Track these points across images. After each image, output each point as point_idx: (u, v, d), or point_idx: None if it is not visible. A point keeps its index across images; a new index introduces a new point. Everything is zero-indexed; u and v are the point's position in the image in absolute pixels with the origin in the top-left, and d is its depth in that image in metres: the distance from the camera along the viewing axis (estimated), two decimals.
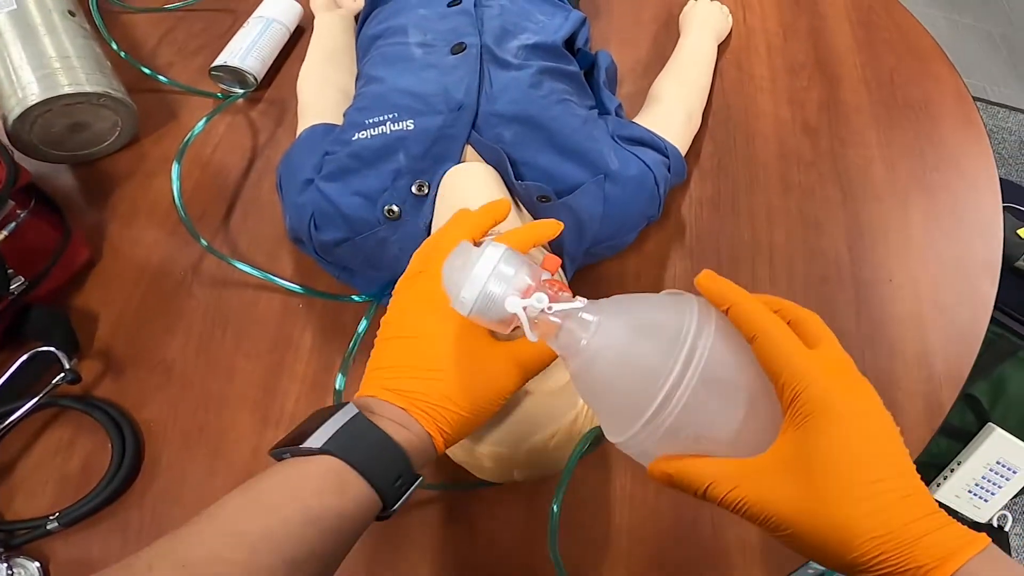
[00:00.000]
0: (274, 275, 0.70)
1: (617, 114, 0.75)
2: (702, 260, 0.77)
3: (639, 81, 0.88)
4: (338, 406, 0.43)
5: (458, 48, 0.68)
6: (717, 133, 0.86)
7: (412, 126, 0.63)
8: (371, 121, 0.64)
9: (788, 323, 0.39)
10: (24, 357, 0.64)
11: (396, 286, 0.49)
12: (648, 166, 0.68)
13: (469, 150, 0.64)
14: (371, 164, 0.63)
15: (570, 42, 0.75)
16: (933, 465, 1.18)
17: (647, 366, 0.37)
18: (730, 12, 0.96)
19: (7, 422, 0.61)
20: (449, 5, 0.73)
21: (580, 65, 0.76)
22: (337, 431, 0.41)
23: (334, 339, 0.69)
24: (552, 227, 0.50)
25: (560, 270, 0.54)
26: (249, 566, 0.35)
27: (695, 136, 0.83)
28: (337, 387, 0.62)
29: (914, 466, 0.37)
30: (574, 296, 0.40)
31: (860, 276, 0.78)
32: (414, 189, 0.62)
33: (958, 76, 0.97)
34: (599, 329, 0.39)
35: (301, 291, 0.70)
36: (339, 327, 0.70)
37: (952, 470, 1.19)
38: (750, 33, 0.97)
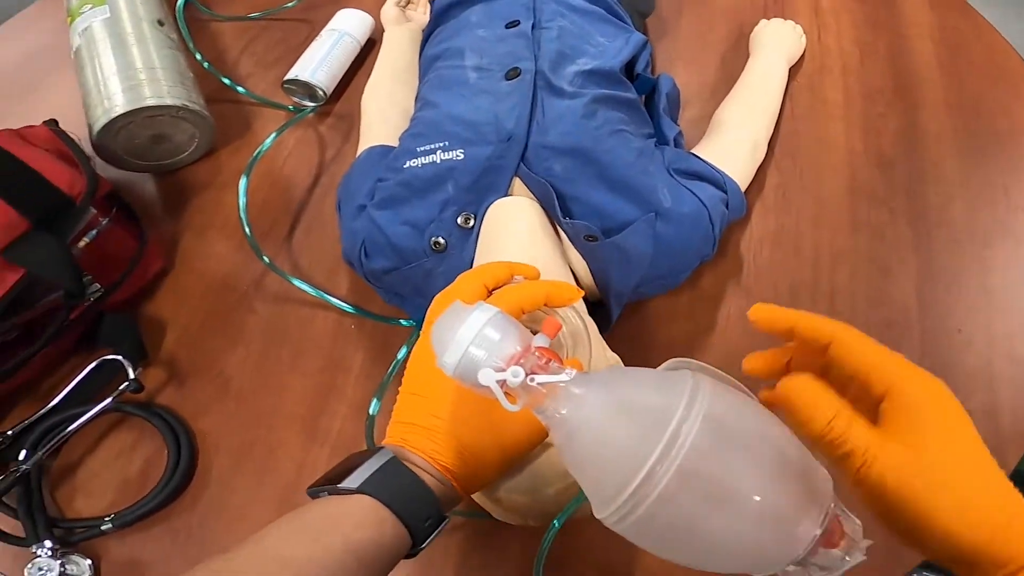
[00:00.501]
0: (330, 294, 0.68)
1: (676, 143, 0.69)
2: (759, 299, 0.68)
3: (705, 105, 0.81)
4: (373, 450, 0.43)
5: (513, 73, 0.63)
6: (784, 163, 0.78)
7: (462, 156, 0.59)
8: (422, 149, 0.60)
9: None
10: (93, 364, 0.64)
11: (420, 336, 0.47)
12: (703, 203, 0.62)
13: (517, 183, 0.60)
14: (421, 194, 0.60)
15: (630, 66, 0.69)
16: None
17: (626, 448, 0.33)
18: (804, 32, 0.87)
19: (73, 426, 0.62)
20: (507, 26, 0.68)
21: (640, 90, 0.70)
22: (373, 473, 0.41)
23: (383, 363, 0.66)
24: (569, 292, 0.46)
25: (572, 328, 0.49)
26: None
27: (759, 166, 0.76)
28: (371, 411, 0.60)
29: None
30: (564, 367, 0.37)
31: (927, 324, 0.69)
32: (460, 221, 0.59)
33: None
34: (582, 404, 0.35)
35: (354, 312, 0.67)
36: (389, 350, 0.67)
37: None
38: (825, 54, 0.87)
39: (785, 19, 0.87)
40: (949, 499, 0.31)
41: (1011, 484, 0.33)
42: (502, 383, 0.36)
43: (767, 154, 0.77)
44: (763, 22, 0.87)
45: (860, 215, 0.75)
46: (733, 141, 0.72)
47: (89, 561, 0.58)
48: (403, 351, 0.62)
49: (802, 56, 0.87)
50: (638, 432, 0.33)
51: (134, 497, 0.61)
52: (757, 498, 0.32)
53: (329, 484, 0.42)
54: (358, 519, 0.39)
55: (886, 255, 0.73)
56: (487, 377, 0.36)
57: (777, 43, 0.83)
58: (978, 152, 0.80)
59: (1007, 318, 0.70)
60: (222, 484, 0.62)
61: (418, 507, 0.41)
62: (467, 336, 0.36)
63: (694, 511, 0.32)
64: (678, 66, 0.87)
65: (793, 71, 0.85)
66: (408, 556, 0.42)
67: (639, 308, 0.68)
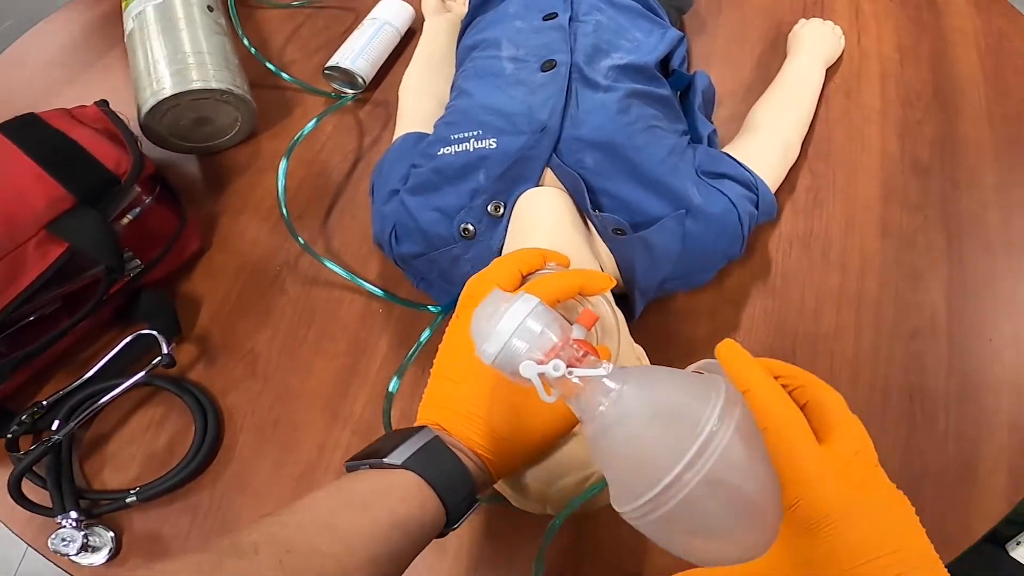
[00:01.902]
0: (360, 277, 0.65)
1: (710, 141, 0.64)
2: (784, 301, 0.66)
3: (739, 104, 0.76)
4: (414, 429, 0.42)
5: (548, 65, 0.60)
6: (816, 166, 0.73)
7: (495, 145, 0.56)
8: (456, 137, 0.57)
9: (805, 405, 0.36)
10: (129, 338, 0.62)
11: (450, 321, 0.46)
12: (733, 203, 0.58)
13: (548, 174, 0.57)
14: (452, 181, 0.57)
15: (666, 62, 0.65)
16: (1017, 522, 1.03)
17: (657, 449, 0.33)
18: (843, 33, 0.82)
19: (106, 398, 0.60)
20: (545, 18, 0.64)
21: (676, 86, 0.65)
22: (417, 451, 0.40)
23: (407, 349, 0.63)
24: (602, 282, 0.44)
25: (614, 317, 0.47)
26: (342, 561, 0.35)
27: (791, 168, 0.71)
28: (391, 389, 0.57)
29: (936, 563, 0.33)
30: (601, 360, 0.35)
31: (957, 333, 0.64)
32: (490, 209, 0.56)
33: None
34: (619, 399, 0.34)
35: (382, 295, 0.65)
36: (413, 337, 0.63)
37: None
38: (863, 57, 0.82)
39: (824, 20, 0.82)
40: None
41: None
42: (541, 375, 0.35)
43: (800, 156, 0.72)
44: (801, 22, 0.81)
45: (892, 221, 0.70)
46: (765, 142, 0.68)
47: (112, 533, 0.57)
48: (426, 333, 0.60)
49: (840, 58, 0.81)
50: (672, 436, 0.32)
51: (159, 471, 0.59)
52: (763, 502, 0.33)
53: (370, 459, 0.41)
54: (403, 494, 0.39)
55: (917, 262, 0.68)
56: (529, 370, 0.35)
57: (814, 44, 0.78)
58: (1018, 162, 0.75)
59: None
60: (244, 462, 0.60)
61: (457, 488, 0.40)
62: (509, 327, 0.35)
63: (714, 515, 0.32)
64: (713, 64, 0.82)
65: (830, 73, 0.80)
66: (439, 536, 0.41)
67: (663, 304, 0.64)
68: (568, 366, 0.35)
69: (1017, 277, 0.68)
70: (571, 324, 0.38)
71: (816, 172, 0.73)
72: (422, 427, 0.42)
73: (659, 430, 0.33)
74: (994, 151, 0.75)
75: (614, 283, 0.44)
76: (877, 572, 0.32)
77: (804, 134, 0.73)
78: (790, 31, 0.82)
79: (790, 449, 0.34)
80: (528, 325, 0.36)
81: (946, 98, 0.79)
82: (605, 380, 0.35)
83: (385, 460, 0.40)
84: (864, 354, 0.64)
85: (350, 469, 0.42)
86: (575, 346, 0.36)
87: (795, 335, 0.64)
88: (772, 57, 0.80)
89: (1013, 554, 0.98)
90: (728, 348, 0.37)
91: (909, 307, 0.66)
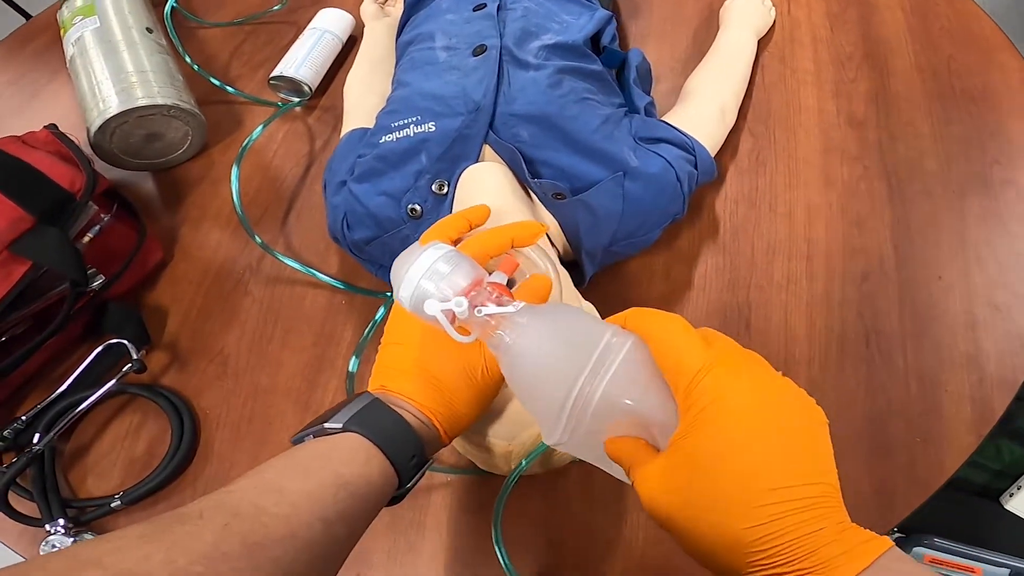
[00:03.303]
0: (320, 271, 0.71)
1: (647, 112, 0.71)
2: (735, 256, 0.72)
3: (677, 78, 0.83)
4: (354, 396, 0.44)
5: (479, 50, 0.66)
6: (756, 129, 0.81)
7: (434, 128, 0.62)
8: (397, 124, 0.64)
9: None
10: (99, 349, 0.67)
11: None
12: (670, 163, 0.64)
13: (488, 150, 0.63)
14: (396, 165, 0.63)
15: (597, 40, 0.72)
16: (1008, 475, 1.09)
17: (561, 369, 0.35)
18: (774, 5, 0.90)
19: (81, 407, 0.65)
20: (475, 9, 0.71)
21: (610, 63, 0.72)
22: (356, 413, 0.42)
23: (372, 335, 0.69)
24: (533, 229, 0.48)
25: (546, 260, 0.51)
26: (290, 520, 0.36)
27: (733, 133, 0.78)
28: (351, 369, 0.62)
29: (832, 469, 0.33)
30: (512, 300, 0.39)
31: (906, 274, 0.71)
32: (434, 188, 0.62)
33: None
34: (523, 330, 0.37)
35: (343, 287, 0.70)
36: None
37: None
38: (795, 25, 0.90)
39: None
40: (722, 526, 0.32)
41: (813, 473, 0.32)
42: (450, 314, 0.38)
43: (740, 122, 0.80)
44: None
45: (833, 172, 0.77)
46: (700, 108, 0.75)
47: None
48: (380, 312, 0.65)
49: (772, 28, 0.89)
50: (574, 354, 0.35)
51: (141, 474, 0.64)
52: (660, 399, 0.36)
53: (313, 427, 0.43)
54: (347, 456, 0.40)
55: (861, 208, 0.75)
56: (432, 307, 0.38)
57: (744, 16, 0.86)
58: (951, 112, 0.82)
59: (985, 266, 0.71)
60: (222, 459, 0.65)
61: (402, 444, 0.42)
62: (419, 270, 0.39)
63: (626, 411, 0.35)
64: (650, 42, 0.90)
65: (763, 44, 0.88)
66: (393, 500, 0.43)
67: (617, 268, 0.70)
68: (479, 305, 0.38)
69: (960, 216, 0.74)
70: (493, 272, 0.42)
71: (757, 134, 0.80)
72: (363, 392, 0.45)
73: (561, 352, 0.36)
74: (926, 104, 0.83)
75: (547, 228, 0.49)
76: (773, 505, 0.31)
77: (740, 99, 0.80)
78: (722, 7, 0.90)
79: (679, 344, 0.35)
80: (438, 268, 0.39)
81: (876, 58, 0.87)
82: (514, 316, 0.38)
83: (326, 425, 0.42)
84: (817, 301, 0.70)
85: (295, 442, 0.44)
86: (488, 288, 0.39)
87: (748, 288, 0.70)
88: (706, 33, 0.88)
89: (1008, 506, 1.04)
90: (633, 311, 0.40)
91: (857, 252, 0.72)
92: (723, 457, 0.32)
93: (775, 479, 0.31)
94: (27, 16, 1.79)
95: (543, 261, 0.49)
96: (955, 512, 1.02)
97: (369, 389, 0.46)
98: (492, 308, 0.38)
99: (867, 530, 0.32)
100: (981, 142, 0.80)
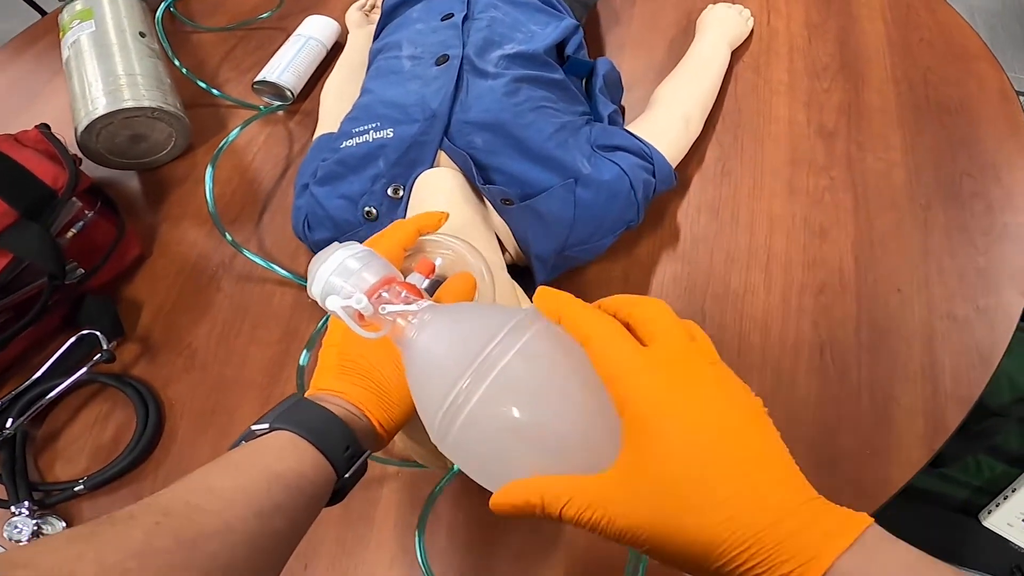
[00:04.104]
0: (289, 270, 0.75)
1: (611, 120, 0.74)
2: (694, 264, 0.75)
3: (651, 86, 0.86)
4: (285, 399, 0.46)
5: (442, 60, 0.70)
6: (724, 138, 0.83)
7: (391, 134, 0.66)
8: (357, 130, 0.68)
9: (628, 323, 0.37)
10: (72, 339, 0.72)
11: None
12: (624, 170, 0.67)
13: (443, 156, 0.66)
14: (355, 170, 0.66)
15: (562, 49, 0.75)
16: (986, 491, 1.10)
17: (447, 370, 0.35)
18: (752, 15, 0.93)
19: (52, 393, 0.69)
20: (442, 19, 0.75)
21: (576, 72, 0.75)
22: (283, 411, 0.43)
23: (323, 328, 0.73)
24: (432, 218, 0.51)
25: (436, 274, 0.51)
26: (223, 515, 0.36)
27: (700, 142, 0.81)
28: (301, 363, 0.66)
29: (782, 448, 0.33)
30: (419, 299, 0.41)
31: (865, 286, 0.73)
32: (390, 192, 0.65)
33: (1004, 76, 0.89)
34: (422, 329, 0.38)
35: (305, 284, 0.74)
36: None
37: (1006, 497, 1.09)
38: (772, 36, 0.93)
39: (733, 4, 0.93)
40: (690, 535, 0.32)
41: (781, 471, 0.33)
42: (353, 311, 0.39)
43: (708, 131, 0.82)
44: (709, 6, 0.92)
45: (799, 183, 0.80)
46: (664, 116, 0.77)
47: (64, 523, 0.65)
48: None
49: (749, 38, 0.92)
50: (460, 356, 0.35)
51: (106, 461, 0.68)
52: (566, 421, 0.35)
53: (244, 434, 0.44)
54: (276, 452, 0.41)
55: (824, 220, 0.77)
56: (334, 303, 0.40)
57: (720, 25, 0.89)
58: (924, 123, 0.84)
59: (946, 279, 0.73)
60: (184, 447, 0.69)
61: (331, 436, 0.42)
62: (329, 268, 0.41)
63: (499, 434, 0.34)
64: (627, 50, 0.93)
65: (739, 53, 0.90)
66: (336, 497, 0.44)
67: (575, 274, 0.73)
68: (384, 303, 0.39)
69: (924, 229, 0.76)
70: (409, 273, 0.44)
71: (724, 144, 0.83)
72: (291, 395, 0.47)
73: (449, 353, 0.36)
74: (899, 115, 0.85)
75: (445, 215, 0.51)
76: (727, 501, 0.31)
77: (707, 108, 0.82)
78: (699, 16, 0.92)
79: (613, 353, 0.34)
80: (347, 265, 0.41)
81: (852, 68, 0.89)
82: (419, 314, 0.38)
83: (253, 427, 0.43)
84: (773, 310, 0.72)
85: (230, 449, 0.44)
86: (398, 288, 0.41)
87: (704, 296, 0.73)
88: (684, 43, 0.91)
89: (986, 523, 1.04)
90: (542, 290, 0.39)
91: (817, 263, 0.74)
92: (671, 468, 0.32)
93: (732, 472, 0.32)
94: (43, 12, 1.87)
95: (476, 262, 0.51)
96: (934, 529, 1.03)
97: (310, 392, 0.47)
98: (394, 307, 0.40)
99: (843, 508, 0.32)
100: (952, 154, 0.82)
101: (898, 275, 0.74)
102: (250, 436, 0.43)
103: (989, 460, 1.02)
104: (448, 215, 0.52)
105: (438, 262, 0.49)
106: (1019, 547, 1.12)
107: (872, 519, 0.31)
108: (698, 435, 0.32)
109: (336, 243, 0.44)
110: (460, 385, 0.34)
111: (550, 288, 0.39)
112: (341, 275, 0.41)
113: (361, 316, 0.40)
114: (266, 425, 0.43)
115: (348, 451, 0.43)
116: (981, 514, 1.04)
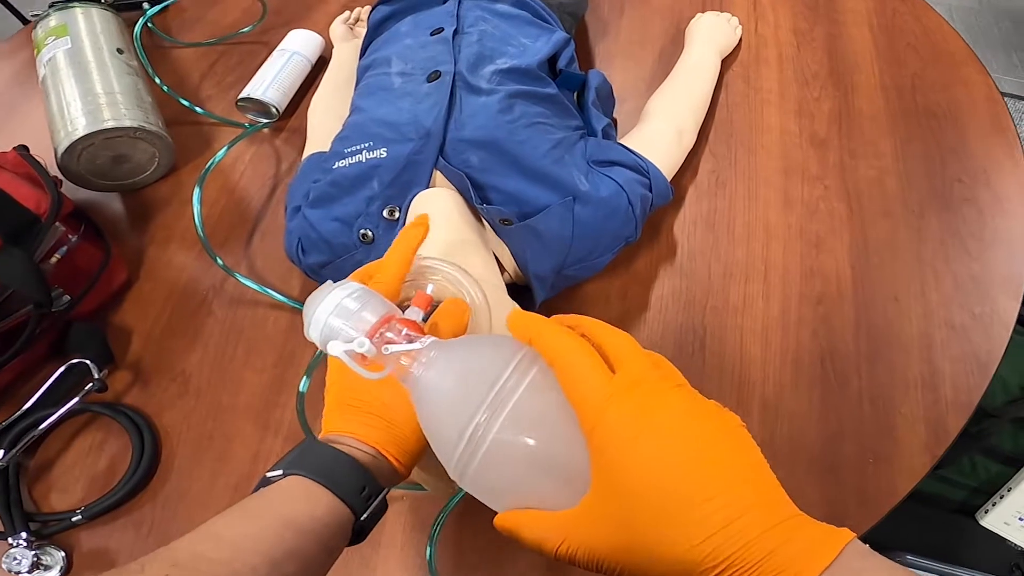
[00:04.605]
0: (282, 293, 0.74)
1: (605, 134, 0.75)
2: (692, 278, 0.76)
3: (641, 98, 0.87)
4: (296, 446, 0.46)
5: (433, 76, 0.70)
6: (718, 149, 0.84)
7: (385, 154, 0.65)
8: (350, 150, 0.67)
9: (599, 349, 0.37)
10: (62, 369, 0.71)
11: None
12: (621, 186, 0.67)
13: (438, 176, 0.66)
14: (348, 191, 0.66)
15: (554, 62, 0.75)
16: (982, 491, 1.12)
17: (459, 407, 0.36)
18: (740, 23, 0.94)
19: (44, 424, 0.68)
20: (432, 34, 0.75)
21: (568, 85, 0.76)
22: (295, 456, 0.43)
23: (323, 355, 0.73)
24: (415, 229, 0.52)
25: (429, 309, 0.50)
26: (233, 563, 0.36)
27: (693, 154, 0.82)
28: (301, 389, 0.65)
29: (762, 464, 0.34)
30: (421, 336, 0.41)
31: (862, 295, 0.74)
32: (385, 214, 0.65)
33: (990, 79, 0.91)
34: (429, 366, 0.39)
35: (299, 307, 0.74)
36: None
37: (1002, 496, 1.12)
38: (761, 44, 0.94)
39: (721, 12, 0.94)
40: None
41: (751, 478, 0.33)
42: (350, 352, 0.39)
43: (701, 143, 0.83)
44: (697, 15, 0.93)
45: (793, 193, 0.81)
46: (657, 130, 0.78)
47: (63, 553, 0.64)
48: None
49: (738, 47, 0.93)
50: (472, 393, 0.36)
51: (102, 491, 0.67)
52: (567, 451, 0.35)
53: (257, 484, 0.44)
54: (288, 497, 0.41)
55: (819, 229, 0.78)
56: (335, 348, 0.40)
57: (708, 35, 0.90)
58: (913, 130, 0.86)
59: (942, 286, 0.74)
60: (183, 475, 0.68)
61: (346, 478, 0.42)
62: (327, 310, 0.41)
63: (521, 464, 0.35)
64: (616, 62, 0.94)
65: (729, 61, 0.91)
66: (358, 537, 0.44)
67: (574, 291, 0.74)
68: (386, 343, 0.39)
69: (919, 237, 0.78)
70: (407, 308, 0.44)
71: (717, 155, 0.84)
72: (303, 440, 0.46)
73: (461, 390, 0.37)
74: (889, 122, 0.87)
75: (426, 227, 0.52)
76: (701, 522, 0.31)
77: (700, 120, 0.83)
78: (688, 26, 0.93)
79: (573, 376, 0.35)
80: (345, 306, 0.40)
81: (841, 75, 0.91)
82: (423, 351, 0.39)
83: (267, 475, 0.43)
84: (773, 322, 0.73)
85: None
86: (398, 325, 0.40)
87: (704, 310, 0.74)
88: (673, 53, 0.92)
89: (983, 523, 1.06)
90: (514, 314, 0.40)
91: (814, 273, 0.76)
92: (647, 486, 0.32)
93: (705, 491, 0.32)
94: (25, 21, 1.84)
95: (471, 285, 0.51)
96: (931, 529, 1.05)
97: (320, 436, 0.47)
98: (398, 347, 0.39)
99: (823, 523, 0.32)
100: (943, 160, 0.83)
101: (894, 283, 0.75)
102: (265, 483, 0.43)
103: (984, 460, 1.05)
104: (428, 227, 0.53)
105: (429, 289, 0.49)
106: (1017, 545, 1.14)
107: (853, 535, 0.31)
108: (665, 457, 0.33)
109: (330, 282, 0.44)
110: (477, 419, 0.35)
111: (522, 311, 0.40)
112: (340, 317, 0.41)
113: (364, 357, 0.40)
114: (280, 471, 0.42)
115: (364, 491, 0.43)
116: (978, 514, 1.06)
